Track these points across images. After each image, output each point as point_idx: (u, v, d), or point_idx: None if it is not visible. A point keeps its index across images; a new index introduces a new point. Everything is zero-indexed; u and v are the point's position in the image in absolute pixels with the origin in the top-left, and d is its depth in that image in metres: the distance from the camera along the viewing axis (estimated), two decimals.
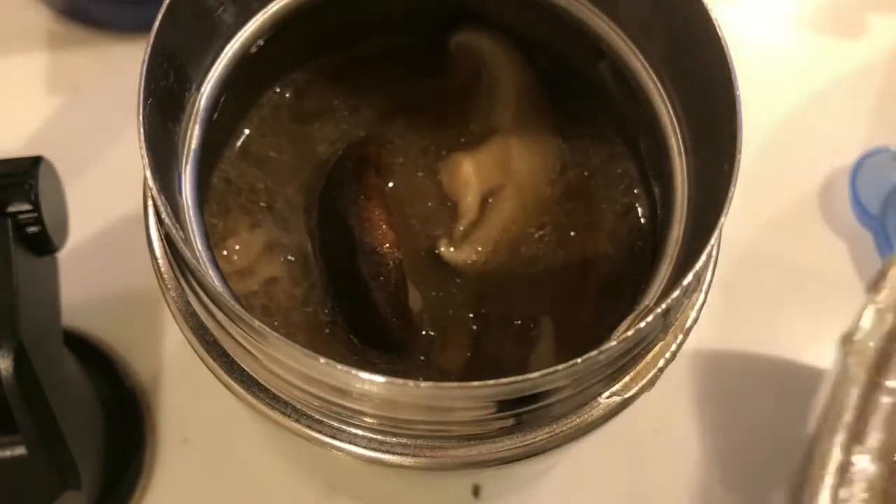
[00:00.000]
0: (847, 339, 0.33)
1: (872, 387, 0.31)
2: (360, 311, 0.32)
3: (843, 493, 0.30)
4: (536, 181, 0.35)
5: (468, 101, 0.36)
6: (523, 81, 0.36)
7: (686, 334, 0.28)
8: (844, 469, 0.30)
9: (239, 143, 0.35)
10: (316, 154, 0.35)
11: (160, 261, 0.28)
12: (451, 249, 0.33)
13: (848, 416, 0.31)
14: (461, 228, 0.34)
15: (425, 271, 0.33)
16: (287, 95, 0.36)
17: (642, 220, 0.34)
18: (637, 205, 0.35)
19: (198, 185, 0.29)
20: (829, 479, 0.30)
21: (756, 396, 0.46)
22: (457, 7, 0.35)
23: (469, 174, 0.34)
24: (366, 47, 0.36)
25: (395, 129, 0.36)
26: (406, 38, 0.36)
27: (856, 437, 0.31)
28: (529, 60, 0.36)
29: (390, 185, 0.35)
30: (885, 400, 0.31)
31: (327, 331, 0.32)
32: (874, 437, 0.30)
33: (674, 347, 0.27)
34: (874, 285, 0.34)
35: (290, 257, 0.33)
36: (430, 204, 0.35)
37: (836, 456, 0.30)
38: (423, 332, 0.32)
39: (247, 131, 0.35)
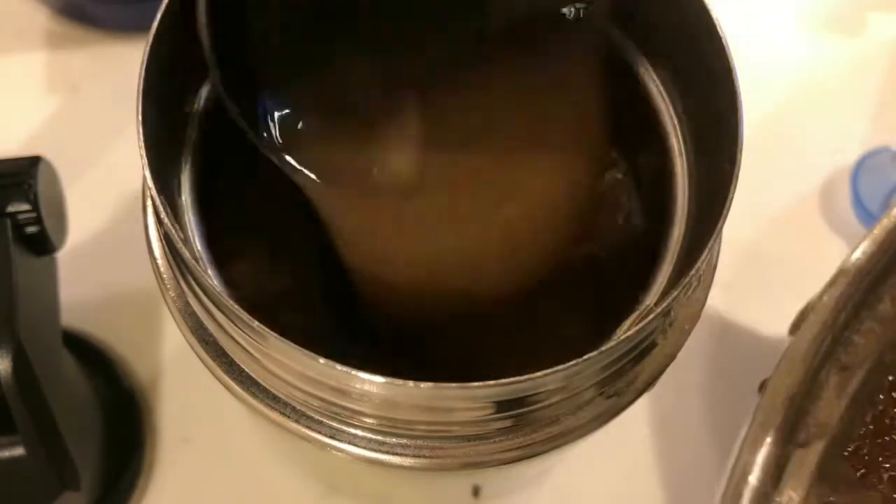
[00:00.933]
0: (764, 385, 0.33)
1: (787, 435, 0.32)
2: (357, 314, 0.32)
3: None
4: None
5: None
6: None
7: (686, 334, 0.28)
8: None
9: (241, 154, 0.35)
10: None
11: (159, 261, 0.27)
12: None
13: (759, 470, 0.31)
14: None
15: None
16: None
17: (642, 220, 0.34)
18: (637, 204, 0.34)
19: (198, 185, 0.29)
20: None
21: (756, 397, 0.46)
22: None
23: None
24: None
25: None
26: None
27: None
28: None
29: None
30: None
31: (328, 337, 0.32)
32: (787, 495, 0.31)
33: (674, 347, 0.27)
34: (794, 328, 0.34)
35: (295, 262, 0.33)
36: None
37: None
38: (423, 333, 0.32)
39: (248, 133, 0.35)
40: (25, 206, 0.33)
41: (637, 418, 0.45)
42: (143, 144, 0.24)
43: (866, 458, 0.32)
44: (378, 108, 0.32)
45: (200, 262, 0.27)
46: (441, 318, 0.33)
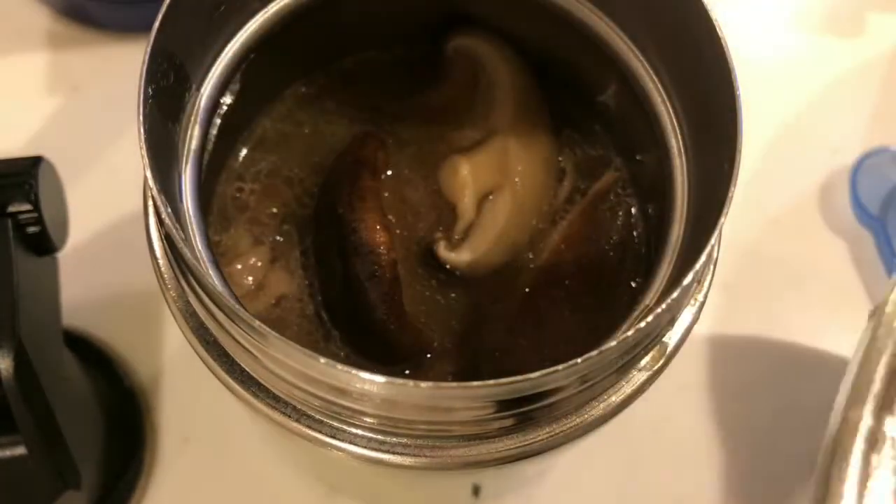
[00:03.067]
0: (876, 312, 0.34)
1: None
2: (355, 314, 0.32)
3: (873, 460, 0.31)
4: (534, 182, 0.35)
5: (467, 104, 0.36)
6: (520, 84, 0.35)
7: (686, 334, 0.28)
8: (875, 436, 0.31)
9: (241, 155, 0.35)
10: (318, 160, 0.35)
11: (160, 261, 0.28)
12: (449, 250, 0.33)
13: (877, 385, 0.32)
14: (459, 230, 0.34)
15: (423, 273, 0.33)
16: (288, 103, 0.36)
17: (642, 220, 0.34)
18: (636, 204, 0.35)
19: (198, 185, 0.29)
20: (859, 446, 0.31)
21: (755, 396, 0.46)
22: (455, 12, 0.35)
23: (466, 176, 0.34)
24: (365, 52, 0.36)
25: (395, 132, 0.36)
26: (405, 43, 0.36)
27: (886, 405, 0.32)
28: (527, 63, 0.36)
29: (390, 187, 0.35)
30: None
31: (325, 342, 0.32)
32: None
33: (673, 347, 0.27)
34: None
35: (295, 266, 0.33)
36: (428, 206, 0.35)
37: (866, 423, 0.32)
38: (420, 333, 0.32)
39: (248, 140, 0.35)
40: (26, 206, 0.33)
41: (637, 417, 0.45)
42: (143, 144, 0.24)
43: None
44: None
45: (201, 261, 0.27)
46: (445, 318, 0.33)
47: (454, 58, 0.36)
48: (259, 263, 0.33)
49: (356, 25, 0.35)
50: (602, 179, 0.35)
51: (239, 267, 0.33)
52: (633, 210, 0.35)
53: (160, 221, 0.26)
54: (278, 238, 0.34)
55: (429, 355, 0.32)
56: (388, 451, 0.25)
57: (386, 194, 0.34)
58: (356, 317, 0.32)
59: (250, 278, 0.32)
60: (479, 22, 0.35)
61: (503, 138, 0.35)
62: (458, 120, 0.36)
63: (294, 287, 0.33)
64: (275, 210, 0.34)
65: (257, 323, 0.23)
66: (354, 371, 0.22)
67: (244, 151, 0.35)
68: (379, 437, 0.25)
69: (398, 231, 0.34)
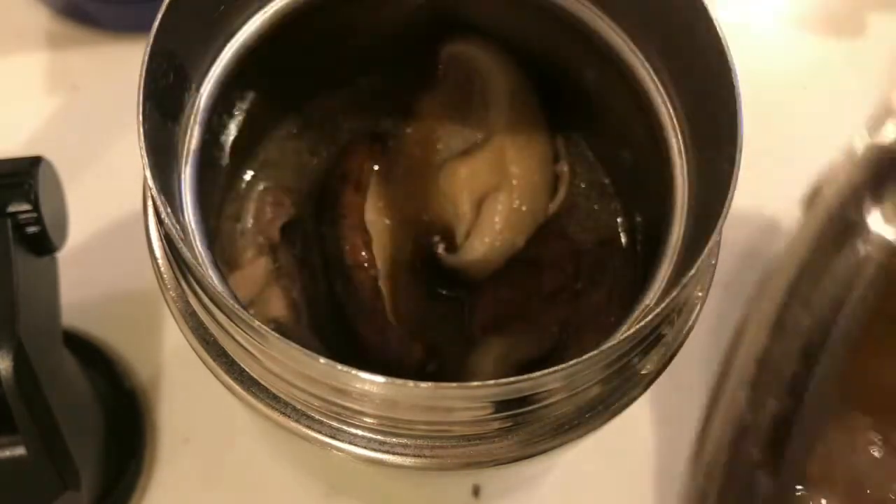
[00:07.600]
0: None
1: None
2: (341, 333, 0.32)
3: None
4: (531, 184, 0.35)
5: (463, 108, 0.36)
6: (516, 86, 0.35)
7: (686, 334, 0.28)
8: None
9: (244, 179, 0.35)
10: (314, 179, 0.35)
11: (160, 261, 0.28)
12: (448, 253, 0.33)
13: None
14: (458, 232, 0.34)
15: (422, 275, 0.33)
16: (288, 126, 0.36)
17: (642, 221, 0.34)
18: (636, 205, 0.35)
19: (198, 185, 0.29)
20: None
21: None
22: (452, 15, 0.35)
23: (464, 178, 0.34)
24: (362, 55, 0.36)
25: (393, 137, 0.36)
26: (401, 44, 0.36)
27: None
28: (524, 64, 0.36)
29: (388, 191, 0.35)
30: None
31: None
32: None
33: (673, 347, 0.27)
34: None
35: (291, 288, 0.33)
36: (427, 209, 0.35)
37: None
38: (409, 348, 0.32)
39: (250, 165, 0.35)
40: (26, 206, 0.33)
41: (637, 418, 0.45)
42: (143, 144, 0.24)
43: None
44: None
45: (201, 261, 0.27)
46: (444, 319, 0.33)
47: (449, 62, 0.36)
48: (257, 283, 0.33)
49: (356, 26, 0.35)
50: (599, 180, 0.35)
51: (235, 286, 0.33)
52: (632, 210, 0.35)
53: (160, 221, 0.26)
54: (277, 259, 0.34)
55: (425, 355, 0.32)
56: (388, 452, 0.25)
57: (390, 191, 0.34)
58: (342, 335, 0.32)
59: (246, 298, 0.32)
60: (476, 25, 0.35)
61: (499, 141, 0.35)
62: (454, 123, 0.36)
63: (289, 310, 0.33)
64: (275, 231, 0.34)
65: (257, 323, 0.23)
66: (354, 371, 0.22)
67: (247, 176, 0.35)
68: (379, 437, 0.25)
69: (397, 233, 0.34)
